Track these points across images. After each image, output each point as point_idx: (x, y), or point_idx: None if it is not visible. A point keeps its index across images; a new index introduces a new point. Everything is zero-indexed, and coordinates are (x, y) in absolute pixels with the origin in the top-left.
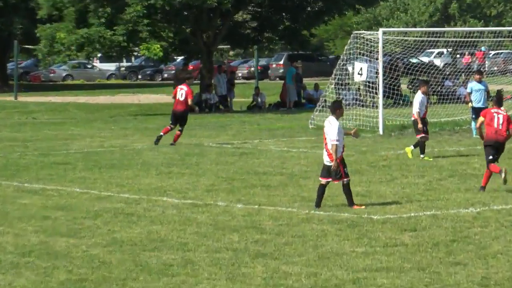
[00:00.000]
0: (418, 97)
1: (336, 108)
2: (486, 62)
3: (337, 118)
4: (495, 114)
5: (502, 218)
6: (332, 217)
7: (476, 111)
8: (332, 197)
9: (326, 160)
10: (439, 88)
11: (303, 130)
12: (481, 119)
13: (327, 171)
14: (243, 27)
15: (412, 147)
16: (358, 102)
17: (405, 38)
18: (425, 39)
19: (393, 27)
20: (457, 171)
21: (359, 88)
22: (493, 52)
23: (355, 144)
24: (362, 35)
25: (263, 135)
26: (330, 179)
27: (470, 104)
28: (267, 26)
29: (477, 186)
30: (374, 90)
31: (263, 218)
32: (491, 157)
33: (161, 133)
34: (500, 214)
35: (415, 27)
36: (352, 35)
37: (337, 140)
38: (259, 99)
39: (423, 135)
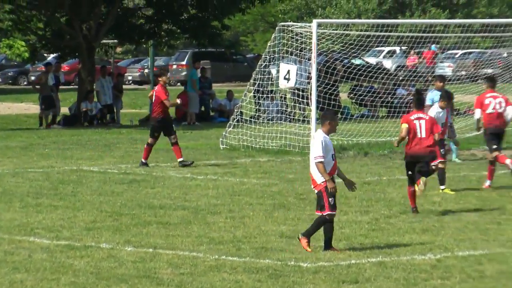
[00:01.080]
0: (433, 111)
1: (326, 120)
2: (439, 64)
3: (327, 133)
4: (416, 121)
5: (469, 268)
6: (249, 264)
7: None
8: (249, 237)
9: (313, 189)
10: (389, 98)
11: (212, 151)
12: (404, 126)
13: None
14: (134, 16)
15: (442, 186)
16: (284, 115)
17: (347, 32)
18: (372, 33)
19: (330, 18)
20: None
21: (285, 97)
22: (460, 52)
23: (279, 170)
24: (290, 28)
25: (160, 158)
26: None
27: None
28: (167, 15)
29: (436, 226)
30: (305, 100)
31: (159, 264)
32: (410, 172)
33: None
34: (466, 262)
35: (360, 18)
36: (277, 28)
37: (321, 157)
38: None
39: (441, 160)
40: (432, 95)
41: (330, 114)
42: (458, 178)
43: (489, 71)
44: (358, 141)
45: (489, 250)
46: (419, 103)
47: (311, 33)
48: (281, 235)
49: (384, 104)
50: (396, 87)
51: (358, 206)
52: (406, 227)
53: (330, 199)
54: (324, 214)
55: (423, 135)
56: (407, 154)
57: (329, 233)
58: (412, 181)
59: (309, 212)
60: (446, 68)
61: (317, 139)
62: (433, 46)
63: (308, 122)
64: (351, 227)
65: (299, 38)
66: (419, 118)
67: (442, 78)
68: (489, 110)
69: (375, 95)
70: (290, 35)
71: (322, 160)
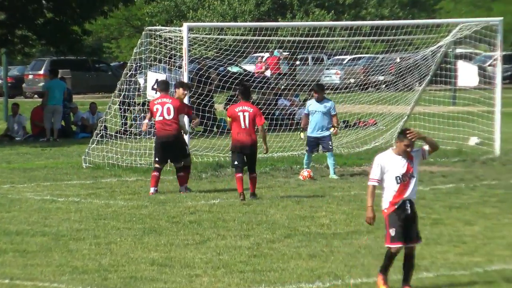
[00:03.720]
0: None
1: (399, 139)
2: (325, 71)
3: (397, 153)
4: (240, 113)
5: None
6: None
7: (310, 142)
8: (117, 266)
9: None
10: (270, 110)
11: (75, 170)
12: (228, 120)
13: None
14: None
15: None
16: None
17: (221, 36)
18: (250, 38)
19: (204, 21)
20: (297, 230)
21: None
22: (348, 57)
23: (148, 190)
24: (158, 33)
25: (16, 178)
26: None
27: (300, 135)
28: (20, 19)
29: (325, 251)
30: None
31: None
32: (236, 162)
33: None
34: None
35: (236, 21)
36: (144, 33)
37: (374, 180)
38: (15, 125)
39: None
40: (310, 104)
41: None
42: (348, 198)
43: (381, 78)
44: None
45: None
46: (246, 94)
47: (182, 38)
48: (152, 263)
49: (264, 116)
50: (277, 97)
51: (237, 229)
52: (292, 252)
53: (390, 229)
54: (387, 246)
55: (247, 126)
56: (233, 144)
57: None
58: (240, 169)
59: (183, 237)
60: (333, 76)
61: (375, 160)
62: (275, 51)
63: None
64: (230, 253)
65: (168, 43)
66: (243, 110)
67: (321, 87)
68: None
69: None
70: (158, 41)
71: (374, 183)
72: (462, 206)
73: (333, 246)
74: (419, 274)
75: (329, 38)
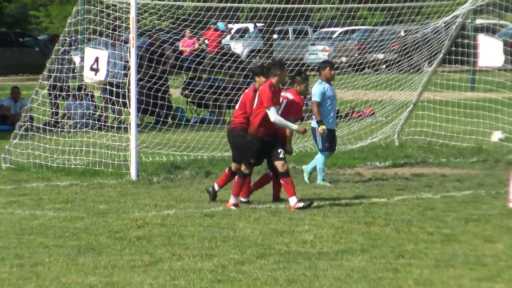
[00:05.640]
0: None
1: None
2: (311, 48)
3: None
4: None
5: None
6: None
7: (329, 137)
8: None
9: None
10: (238, 96)
11: None
12: None
13: None
14: None
15: None
16: (91, 120)
17: (179, 3)
18: (215, 5)
19: None
20: (273, 248)
21: (92, 95)
22: (339, 30)
23: (85, 198)
24: None
25: None
26: None
27: (320, 129)
28: None
29: (308, 275)
30: (121, 100)
31: None
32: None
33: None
34: None
35: None
36: None
37: None
38: None
39: None
40: (321, 88)
41: None
42: (338, 208)
43: (380, 56)
44: (197, 157)
45: None
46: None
47: (129, 4)
48: None
49: (232, 104)
50: (249, 79)
51: (197, 248)
52: (266, 276)
53: None
54: None
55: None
56: None
57: None
58: None
59: (128, 257)
60: (319, 53)
61: None
62: (220, 24)
63: (126, 130)
64: (187, 277)
65: (111, 12)
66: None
67: (331, 64)
68: None
69: (219, 91)
70: (99, 8)
71: None
72: (481, 219)
73: (318, 268)
74: None
75: (315, 6)
